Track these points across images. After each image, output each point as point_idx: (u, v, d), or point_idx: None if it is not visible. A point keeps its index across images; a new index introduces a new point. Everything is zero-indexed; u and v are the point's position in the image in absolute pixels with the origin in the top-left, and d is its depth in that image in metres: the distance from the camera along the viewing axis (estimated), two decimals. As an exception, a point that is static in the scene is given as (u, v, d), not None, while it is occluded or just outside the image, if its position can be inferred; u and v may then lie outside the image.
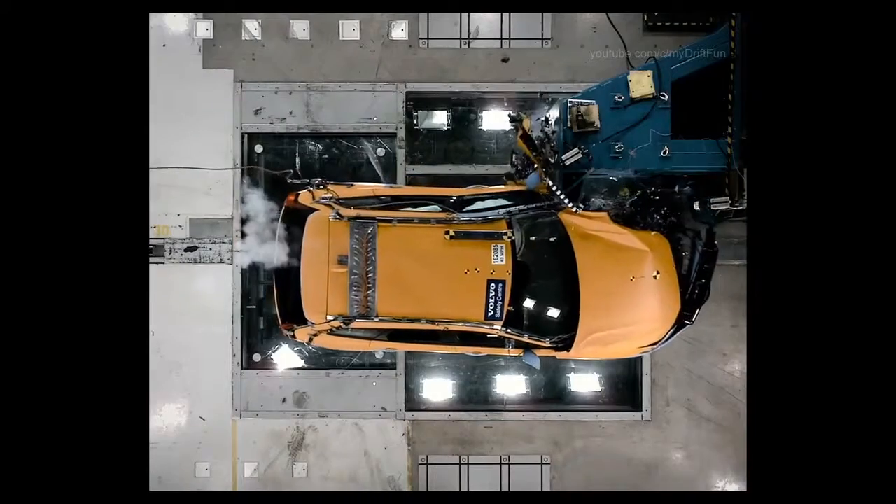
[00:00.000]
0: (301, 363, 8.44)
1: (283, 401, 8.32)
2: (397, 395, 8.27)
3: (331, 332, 6.70)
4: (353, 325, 6.55)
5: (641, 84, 6.98)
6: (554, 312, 6.78)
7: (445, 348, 6.97)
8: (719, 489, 8.23)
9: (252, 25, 8.22)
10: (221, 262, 8.27)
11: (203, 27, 8.22)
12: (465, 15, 8.17)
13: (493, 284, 6.45)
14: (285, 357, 8.44)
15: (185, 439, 8.33)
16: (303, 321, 6.62)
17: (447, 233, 6.47)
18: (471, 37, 8.20)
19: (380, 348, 7.21)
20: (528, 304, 6.74)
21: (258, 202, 7.83)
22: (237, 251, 8.19)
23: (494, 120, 8.33)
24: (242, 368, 8.30)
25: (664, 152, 7.02)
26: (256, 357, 8.46)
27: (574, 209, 6.72)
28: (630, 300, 6.71)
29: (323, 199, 6.72)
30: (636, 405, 8.26)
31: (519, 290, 6.60)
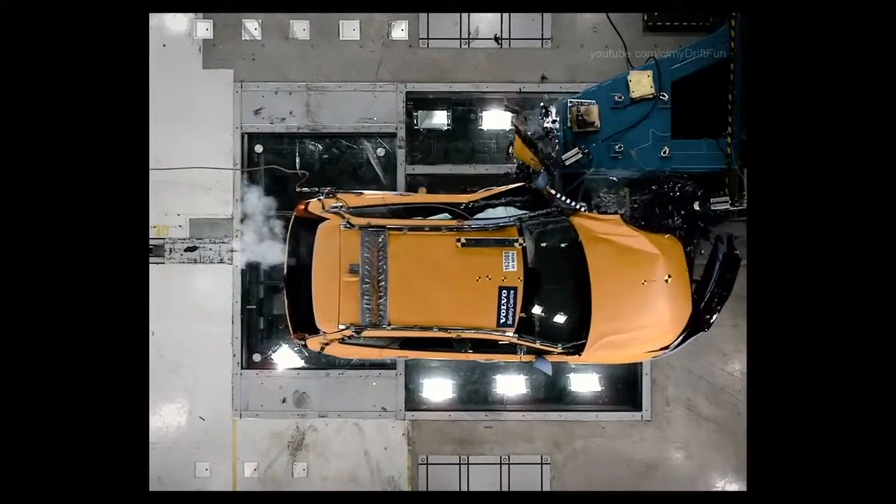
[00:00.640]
0: (301, 363, 8.43)
1: (283, 401, 8.32)
2: (397, 395, 8.27)
3: (343, 340, 6.70)
4: (365, 333, 6.55)
5: (641, 84, 6.98)
6: (560, 318, 6.78)
7: (458, 356, 6.92)
8: (719, 489, 8.23)
9: (252, 25, 8.22)
10: (221, 262, 8.27)
11: (203, 27, 8.22)
12: (465, 15, 8.17)
13: (504, 291, 6.46)
14: (285, 357, 8.44)
15: (185, 439, 8.33)
16: (314, 330, 6.63)
17: (458, 240, 6.48)
18: (471, 37, 8.20)
19: (392, 356, 7.20)
20: (541, 310, 6.73)
21: (258, 201, 7.84)
22: (236, 251, 8.20)
23: (494, 120, 8.32)
24: (242, 368, 8.30)
25: (664, 152, 7.02)
26: (256, 357, 8.46)
27: (578, 207, 6.72)
28: (642, 304, 6.71)
29: (333, 208, 6.72)
30: (636, 405, 8.26)
31: (530, 297, 6.60)
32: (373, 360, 8.33)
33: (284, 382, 8.34)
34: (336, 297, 6.50)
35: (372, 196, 7.10)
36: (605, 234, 6.76)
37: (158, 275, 8.17)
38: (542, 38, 8.17)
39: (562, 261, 6.80)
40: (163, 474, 8.26)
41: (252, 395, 8.30)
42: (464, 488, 8.25)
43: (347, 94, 8.20)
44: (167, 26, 8.22)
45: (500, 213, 6.88)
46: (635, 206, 7.11)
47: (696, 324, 6.88)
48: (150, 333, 8.05)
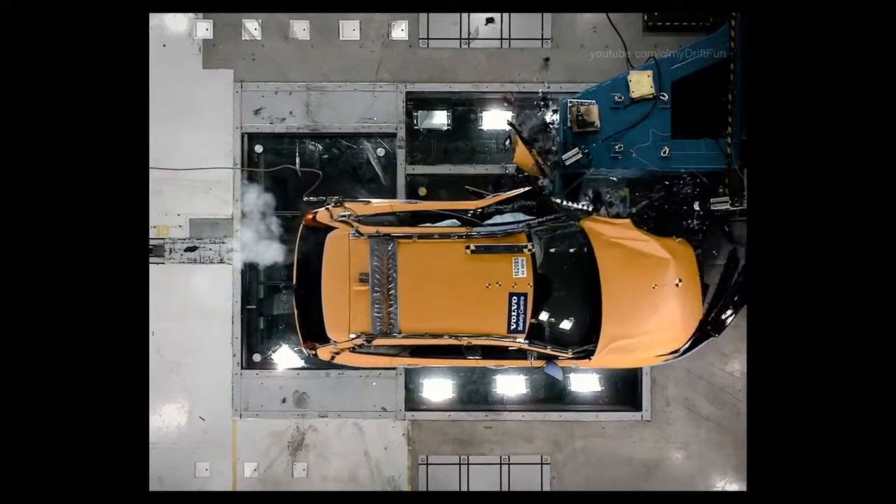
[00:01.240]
0: (301, 363, 8.43)
1: (283, 401, 8.32)
2: (397, 395, 8.27)
3: (353, 349, 6.71)
4: (376, 342, 6.56)
5: (641, 84, 6.98)
6: (567, 324, 6.76)
7: (468, 363, 6.91)
8: (719, 489, 8.23)
9: (252, 25, 8.22)
10: (221, 262, 8.26)
11: (203, 27, 8.22)
12: (465, 15, 8.16)
13: (514, 297, 6.46)
14: (285, 357, 8.43)
15: (185, 439, 8.33)
16: (325, 340, 6.63)
17: (467, 247, 6.47)
18: (471, 37, 8.20)
19: (403, 364, 7.19)
20: (550, 315, 6.71)
21: (258, 200, 7.85)
22: (236, 251, 8.20)
23: (494, 120, 8.32)
24: (242, 368, 8.30)
25: (664, 152, 7.02)
26: (256, 357, 8.46)
27: (591, 210, 6.72)
28: (652, 308, 6.70)
29: (341, 217, 6.72)
30: (636, 405, 8.25)
31: (540, 302, 6.59)
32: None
33: (284, 382, 8.34)
34: (346, 306, 6.50)
35: (380, 204, 7.11)
36: (615, 238, 6.76)
37: (158, 275, 8.17)
38: (542, 38, 8.17)
39: (571, 266, 6.79)
40: (163, 474, 8.26)
41: (252, 395, 8.30)
42: (464, 488, 8.25)
43: (347, 94, 8.20)
44: (167, 26, 8.22)
45: (508, 218, 6.89)
46: (645, 205, 7.06)
47: (714, 328, 6.88)
48: (150, 333, 8.05)
